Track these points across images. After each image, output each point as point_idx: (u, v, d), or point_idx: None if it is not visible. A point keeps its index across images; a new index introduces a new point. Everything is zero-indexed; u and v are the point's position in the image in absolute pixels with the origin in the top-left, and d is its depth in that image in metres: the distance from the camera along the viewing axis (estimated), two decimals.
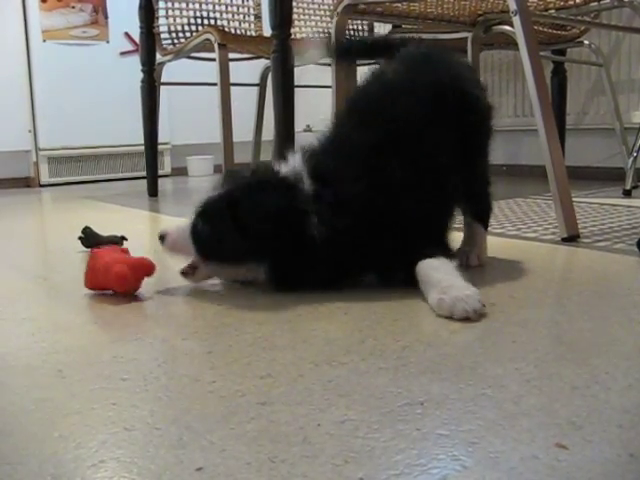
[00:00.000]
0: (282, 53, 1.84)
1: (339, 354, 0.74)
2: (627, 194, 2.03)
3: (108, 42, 3.51)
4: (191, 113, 3.66)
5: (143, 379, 0.69)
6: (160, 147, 2.92)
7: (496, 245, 1.32)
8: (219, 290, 1.08)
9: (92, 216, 2.14)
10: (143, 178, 2.78)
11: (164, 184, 3.17)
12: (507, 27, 2.06)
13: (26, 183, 3.45)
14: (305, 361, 0.72)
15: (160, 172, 2.96)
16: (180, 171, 3.81)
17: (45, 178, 3.40)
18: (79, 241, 1.40)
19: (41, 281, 1.22)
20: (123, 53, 3.51)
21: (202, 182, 3.36)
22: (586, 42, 2.40)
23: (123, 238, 1.41)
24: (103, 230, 1.44)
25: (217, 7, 2.72)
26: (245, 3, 2.80)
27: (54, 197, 2.96)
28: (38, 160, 3.39)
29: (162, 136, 2.93)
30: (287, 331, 0.85)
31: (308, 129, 4.05)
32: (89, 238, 1.39)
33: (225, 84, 2.22)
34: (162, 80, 2.67)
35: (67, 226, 1.89)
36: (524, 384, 0.64)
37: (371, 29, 2.82)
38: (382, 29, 2.89)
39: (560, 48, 2.50)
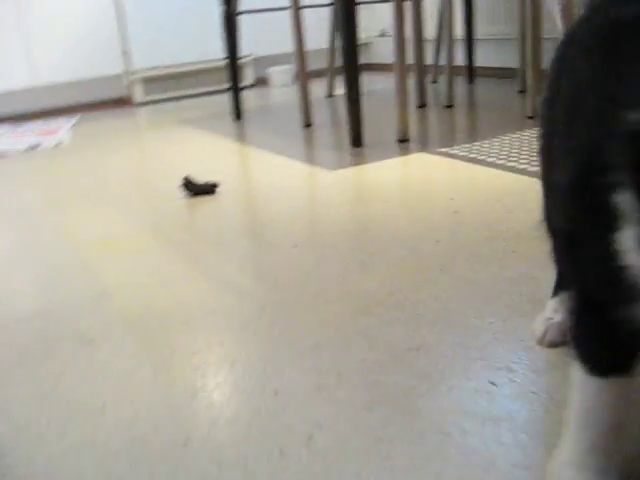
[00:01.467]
0: None
1: (371, 305, 1.03)
2: None
3: None
4: (271, 24, 3.74)
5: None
6: (243, 60, 3.16)
7: None
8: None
9: (185, 150, 2.45)
10: (228, 91, 2.89)
11: (247, 98, 3.43)
12: None
13: (122, 103, 3.81)
14: (348, 311, 1.02)
15: (244, 83, 3.16)
16: (263, 81, 4.06)
17: (140, 98, 3.76)
18: (182, 188, 1.70)
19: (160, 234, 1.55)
20: None
21: (282, 95, 3.62)
22: None
23: (214, 186, 1.70)
24: (200, 174, 1.75)
25: None
26: None
27: (149, 121, 3.30)
28: (132, 81, 3.74)
29: (245, 49, 3.17)
30: (337, 284, 1.14)
31: (382, 34, 4.15)
32: (189, 186, 1.70)
33: None
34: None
35: (164, 164, 2.21)
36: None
37: None
38: None
39: None
